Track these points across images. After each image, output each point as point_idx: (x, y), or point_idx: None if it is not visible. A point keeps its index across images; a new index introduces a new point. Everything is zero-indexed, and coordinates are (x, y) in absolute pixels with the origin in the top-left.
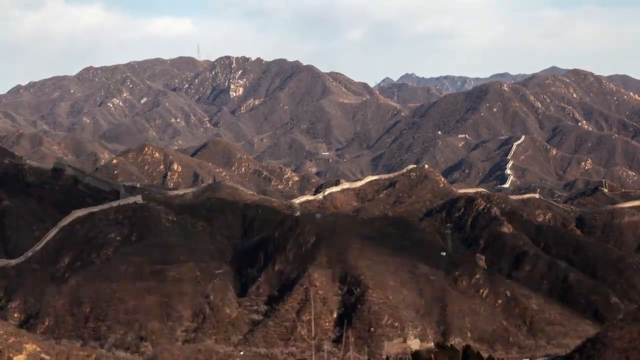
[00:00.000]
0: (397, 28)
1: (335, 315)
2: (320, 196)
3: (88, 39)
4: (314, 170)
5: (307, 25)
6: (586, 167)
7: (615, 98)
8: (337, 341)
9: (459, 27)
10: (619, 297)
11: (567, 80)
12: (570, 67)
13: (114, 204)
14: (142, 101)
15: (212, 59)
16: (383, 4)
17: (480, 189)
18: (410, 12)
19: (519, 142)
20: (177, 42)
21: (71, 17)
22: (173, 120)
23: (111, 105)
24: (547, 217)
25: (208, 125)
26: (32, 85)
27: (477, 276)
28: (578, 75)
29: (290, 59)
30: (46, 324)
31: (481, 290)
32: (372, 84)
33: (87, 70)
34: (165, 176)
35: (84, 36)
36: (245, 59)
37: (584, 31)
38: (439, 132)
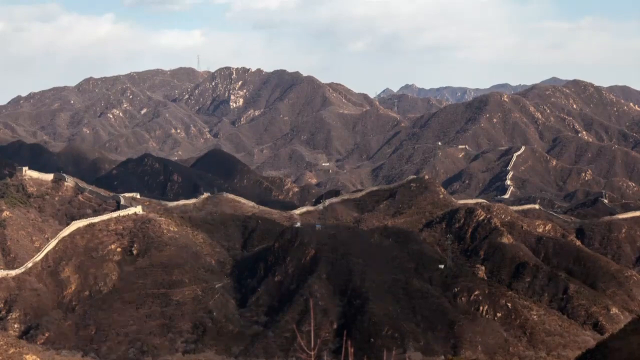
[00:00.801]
0: (401, 40)
1: (335, 326)
2: (320, 207)
3: (95, 51)
4: (314, 181)
5: (314, 38)
6: (586, 178)
7: (615, 109)
8: (337, 352)
9: (462, 39)
10: (619, 308)
11: (567, 91)
12: (571, 78)
13: (114, 214)
14: (142, 112)
15: (212, 70)
16: (391, 16)
17: (480, 200)
18: (415, 24)
19: (519, 152)
20: (185, 53)
21: (81, 30)
22: (173, 131)
23: (111, 116)
24: (547, 228)
25: (208, 136)
26: (32, 95)
27: (477, 292)
28: (578, 86)
29: (302, 71)
30: (46, 335)
31: (481, 307)
32: (372, 95)
33: (87, 81)
34: (165, 187)
35: (91, 48)
36: (245, 70)
37: (586, 43)
38: (439, 143)
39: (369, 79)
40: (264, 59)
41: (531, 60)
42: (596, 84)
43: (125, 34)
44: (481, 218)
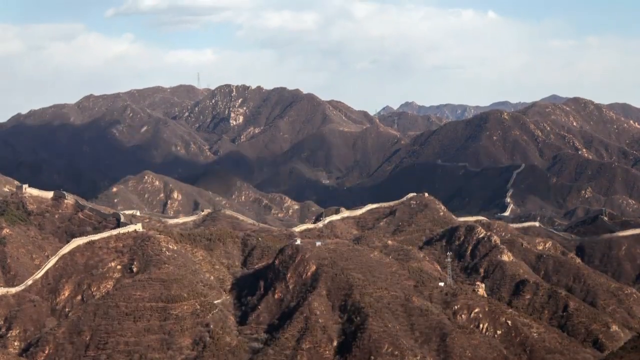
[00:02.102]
0: (409, 59)
1: (335, 343)
2: (320, 224)
3: (105, 70)
4: (314, 198)
5: (323, 56)
6: (586, 196)
7: (615, 126)
8: None
9: (470, 58)
10: (619, 325)
11: (567, 108)
12: (571, 96)
13: (114, 232)
14: (142, 129)
15: (212, 87)
16: (402, 36)
17: (480, 218)
18: (425, 44)
19: (519, 170)
20: (194, 71)
21: (97, 49)
22: (173, 148)
23: (111, 134)
24: (547, 245)
25: (208, 153)
26: (32, 113)
27: (477, 309)
28: (578, 104)
29: (311, 90)
30: (46, 352)
31: (481, 325)
32: (372, 112)
33: (88, 98)
34: (165, 204)
35: (102, 67)
36: (245, 87)
37: (593, 61)
38: (439, 161)
39: (370, 96)
40: (271, 77)
41: (538, 79)
42: (596, 101)
43: (138, 53)
44: (481, 236)
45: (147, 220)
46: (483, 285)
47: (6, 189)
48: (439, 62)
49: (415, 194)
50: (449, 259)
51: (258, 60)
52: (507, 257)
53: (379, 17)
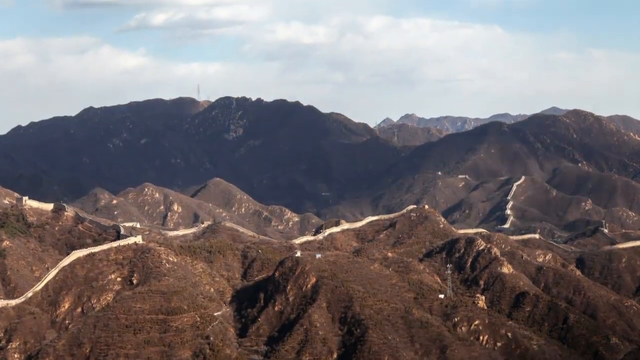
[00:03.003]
0: (415, 73)
1: (335, 355)
2: (320, 237)
3: (112, 83)
4: (314, 210)
5: (331, 69)
6: (586, 208)
7: (615, 138)
8: None
9: (475, 71)
10: (619, 338)
11: (567, 120)
12: (570, 108)
13: (114, 244)
14: (142, 141)
15: (212, 100)
16: (411, 49)
17: (480, 230)
18: (432, 57)
19: (519, 182)
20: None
21: (108, 62)
22: (173, 160)
23: (111, 146)
24: (547, 257)
25: (208, 165)
26: (32, 125)
27: (477, 322)
28: (578, 116)
29: (315, 104)
30: None
31: (481, 337)
32: (372, 125)
33: (87, 110)
34: (165, 216)
35: (110, 80)
36: (245, 100)
37: (600, 74)
38: (439, 173)
39: (371, 108)
40: (277, 89)
41: (539, 91)
42: (596, 113)
43: (148, 67)
44: (481, 248)
45: (147, 232)
46: (483, 298)
47: (6, 201)
48: (441, 75)
49: (415, 206)
50: (449, 271)
51: (264, 72)
52: (507, 269)
53: (387, 31)
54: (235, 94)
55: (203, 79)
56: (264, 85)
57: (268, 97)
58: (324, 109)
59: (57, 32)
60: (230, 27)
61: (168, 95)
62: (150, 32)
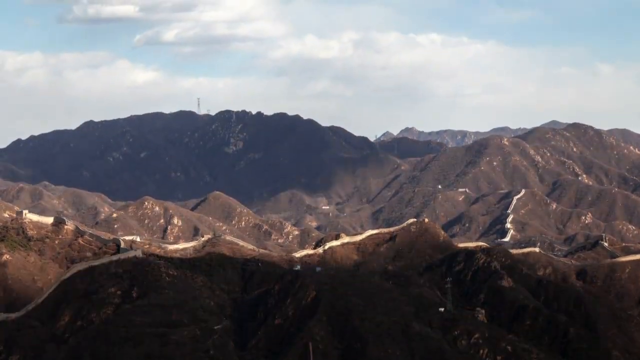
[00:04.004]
0: (422, 88)
1: None
2: (320, 250)
3: (119, 97)
4: (314, 224)
5: (341, 84)
6: (586, 221)
7: (615, 152)
8: None
9: (470, 85)
10: (620, 351)
11: (567, 134)
12: (570, 121)
13: (114, 258)
14: (142, 155)
15: (212, 113)
16: (421, 65)
17: (480, 243)
18: (440, 72)
19: (519, 196)
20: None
21: (120, 77)
22: (173, 174)
23: (111, 159)
24: (547, 271)
25: (208, 178)
26: (32, 139)
27: (477, 335)
28: (578, 129)
29: (316, 117)
30: None
31: (481, 351)
32: (372, 138)
33: (88, 124)
34: (165, 230)
35: (117, 95)
36: (245, 113)
37: (605, 88)
38: (439, 186)
39: (370, 121)
40: (284, 104)
41: (540, 105)
42: (596, 126)
43: (159, 81)
44: (481, 261)
45: (147, 245)
46: (483, 311)
47: (6, 215)
48: (447, 90)
49: (415, 219)
50: (449, 285)
51: (273, 87)
52: (507, 282)
53: (398, 47)
54: (248, 108)
55: (212, 93)
56: (270, 99)
57: (275, 111)
58: (326, 122)
59: (74, 47)
60: (243, 43)
61: (176, 109)
62: (164, 47)
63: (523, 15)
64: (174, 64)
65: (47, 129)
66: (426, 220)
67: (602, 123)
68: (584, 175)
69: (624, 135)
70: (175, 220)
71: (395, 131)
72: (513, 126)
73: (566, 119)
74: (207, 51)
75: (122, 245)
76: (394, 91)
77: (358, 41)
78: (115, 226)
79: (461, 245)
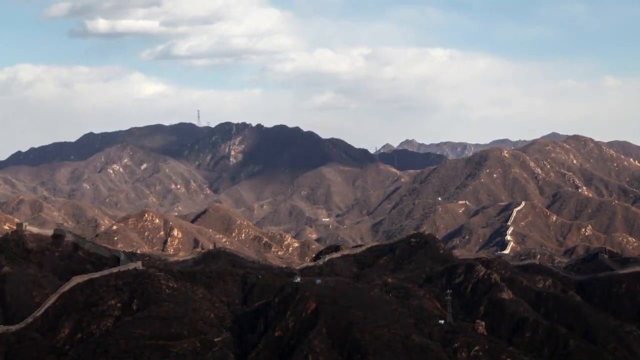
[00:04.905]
0: (426, 101)
1: None
2: (320, 262)
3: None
4: (314, 236)
5: (345, 97)
6: (586, 234)
7: (615, 164)
8: None
9: (484, 99)
10: None
11: (567, 146)
12: (570, 133)
13: (114, 270)
14: (142, 167)
15: (213, 125)
16: (428, 80)
17: (480, 255)
18: (446, 85)
19: (519, 208)
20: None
21: (131, 89)
22: (173, 186)
23: (111, 172)
24: (547, 283)
25: (208, 191)
26: (32, 151)
27: (477, 347)
28: (578, 142)
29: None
30: None
31: None
32: (372, 150)
33: (87, 136)
34: (165, 242)
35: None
36: (245, 125)
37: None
38: (439, 199)
39: (371, 133)
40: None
41: (541, 117)
42: (596, 139)
43: (167, 93)
44: (481, 273)
45: (147, 258)
46: (483, 323)
47: (6, 227)
48: (449, 102)
49: (415, 231)
50: (449, 297)
51: (279, 100)
52: (507, 295)
53: (408, 61)
54: (249, 120)
55: (219, 106)
56: (274, 111)
57: (278, 123)
58: (327, 135)
59: (88, 61)
60: (256, 56)
61: (179, 121)
62: (177, 60)
63: (535, 31)
64: (185, 77)
65: (47, 140)
66: (426, 232)
67: (603, 135)
68: (584, 188)
69: (624, 147)
70: (175, 233)
71: (395, 143)
72: (513, 138)
73: (567, 130)
74: (219, 64)
75: (122, 257)
76: (397, 103)
77: (368, 55)
78: (115, 238)
79: (461, 257)
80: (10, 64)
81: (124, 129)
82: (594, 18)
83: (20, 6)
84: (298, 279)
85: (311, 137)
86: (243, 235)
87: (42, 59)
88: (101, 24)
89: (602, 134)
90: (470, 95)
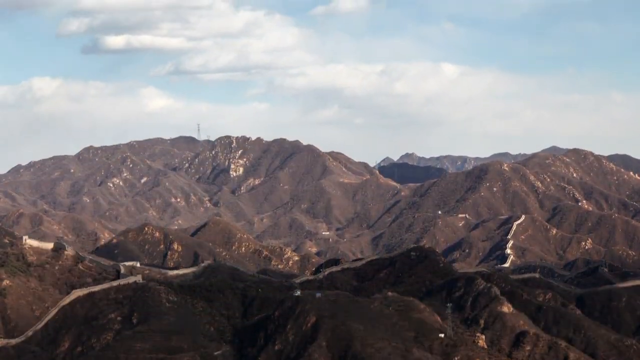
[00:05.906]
0: (429, 117)
1: None
2: (320, 276)
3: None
4: (314, 250)
5: (352, 112)
6: (586, 247)
7: (615, 178)
8: None
9: (484, 114)
10: None
11: (567, 159)
12: (571, 147)
13: (114, 283)
14: (142, 181)
15: (213, 139)
16: (434, 96)
17: (480, 269)
18: (452, 101)
19: (519, 221)
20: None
21: (139, 104)
22: (173, 199)
23: (111, 185)
24: (547, 296)
25: (208, 204)
26: (32, 164)
27: None
28: (578, 155)
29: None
30: None
31: None
32: (372, 164)
33: (87, 149)
34: (165, 256)
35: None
36: (245, 139)
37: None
38: (439, 212)
39: (371, 147)
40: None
41: (542, 131)
42: (596, 152)
43: (176, 107)
44: (481, 287)
45: (147, 271)
46: (483, 337)
47: (6, 241)
48: (455, 117)
49: (415, 245)
50: (449, 310)
51: (287, 114)
52: (507, 308)
53: (419, 76)
54: (249, 134)
55: (228, 120)
56: (280, 125)
57: (279, 137)
58: (327, 148)
59: (102, 76)
60: (270, 71)
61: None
62: (190, 75)
63: (547, 48)
64: (196, 91)
65: (47, 154)
66: (426, 246)
67: (605, 149)
68: (584, 201)
69: (624, 161)
70: (175, 246)
71: (395, 157)
72: (513, 152)
73: (570, 144)
74: (231, 79)
75: (122, 270)
76: (401, 118)
77: (381, 71)
78: (115, 252)
79: (461, 271)
80: (25, 77)
81: (124, 142)
82: (606, 35)
83: (36, 20)
84: (298, 293)
85: (311, 151)
86: (243, 248)
87: (53, 73)
88: (119, 40)
89: (604, 148)
90: (477, 110)
